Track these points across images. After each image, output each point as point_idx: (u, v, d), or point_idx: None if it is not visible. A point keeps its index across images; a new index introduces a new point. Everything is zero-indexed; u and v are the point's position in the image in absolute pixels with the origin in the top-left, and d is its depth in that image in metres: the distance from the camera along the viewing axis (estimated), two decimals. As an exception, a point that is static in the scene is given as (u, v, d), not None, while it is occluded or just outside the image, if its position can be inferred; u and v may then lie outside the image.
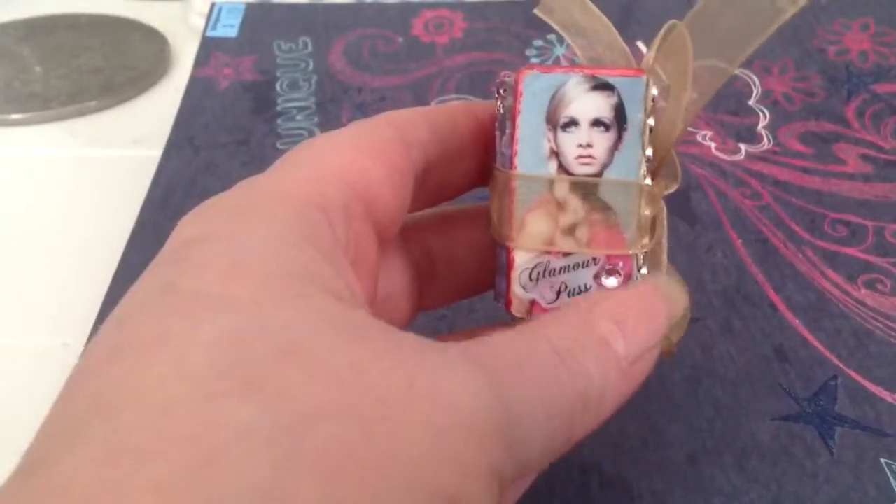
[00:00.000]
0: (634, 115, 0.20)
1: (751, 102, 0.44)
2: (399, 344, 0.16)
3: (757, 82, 0.46)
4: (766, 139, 0.42)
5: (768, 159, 0.41)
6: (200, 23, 0.53)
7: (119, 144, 0.47)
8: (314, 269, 0.17)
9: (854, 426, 0.29)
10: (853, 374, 0.30)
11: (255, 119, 0.45)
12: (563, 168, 0.21)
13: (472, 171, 0.24)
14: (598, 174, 0.20)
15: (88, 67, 0.52)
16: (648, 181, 0.20)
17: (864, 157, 0.41)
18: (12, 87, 0.51)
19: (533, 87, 0.21)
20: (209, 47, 0.50)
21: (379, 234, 0.21)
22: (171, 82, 0.52)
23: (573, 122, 0.20)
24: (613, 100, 0.20)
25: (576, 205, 0.21)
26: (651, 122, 0.20)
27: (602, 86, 0.20)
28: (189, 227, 0.18)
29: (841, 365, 0.31)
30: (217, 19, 0.52)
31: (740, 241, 0.36)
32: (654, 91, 0.20)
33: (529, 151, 0.21)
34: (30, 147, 0.47)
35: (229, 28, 0.51)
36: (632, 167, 0.20)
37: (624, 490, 0.27)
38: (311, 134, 0.43)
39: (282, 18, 0.52)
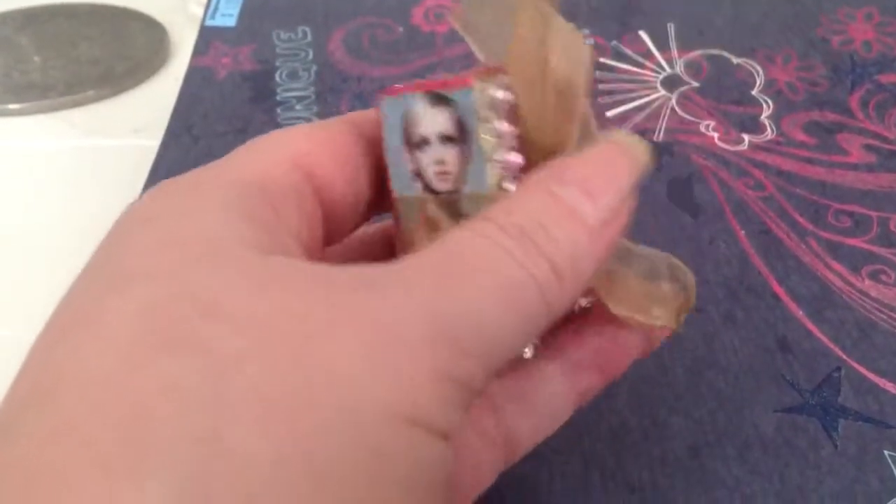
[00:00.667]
0: (472, 126, 0.19)
1: (754, 92, 0.44)
2: (325, 278, 0.16)
3: (760, 72, 0.45)
4: (769, 129, 0.42)
5: (772, 149, 0.41)
6: (199, 12, 0.52)
7: (118, 134, 0.46)
8: (242, 233, 0.17)
9: (857, 418, 0.28)
10: (857, 366, 0.30)
11: (254, 109, 0.44)
12: (427, 187, 0.20)
13: None
14: (457, 189, 0.20)
15: (87, 57, 0.52)
16: (512, 186, 0.20)
17: (868, 148, 0.40)
18: (11, 76, 0.50)
19: (389, 111, 0.20)
20: (208, 37, 0.50)
21: (333, 220, 0.21)
22: (169, 72, 0.52)
23: (425, 141, 0.20)
24: (455, 113, 0.20)
25: (446, 222, 0.20)
26: (498, 125, 0.19)
27: (440, 101, 0.20)
28: (131, 210, 0.18)
29: (844, 356, 0.30)
30: (216, 9, 0.52)
31: (743, 231, 0.36)
32: (499, 94, 0.20)
33: (398, 174, 0.21)
34: (28, 137, 0.46)
35: (228, 17, 0.51)
36: (482, 178, 0.19)
37: (625, 482, 0.27)
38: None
39: (281, 8, 0.52)
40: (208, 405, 0.13)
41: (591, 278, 0.19)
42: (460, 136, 0.19)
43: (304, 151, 0.20)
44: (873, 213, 0.37)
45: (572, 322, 0.22)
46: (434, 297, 0.16)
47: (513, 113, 0.20)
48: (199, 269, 0.16)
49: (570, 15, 0.20)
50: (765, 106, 0.43)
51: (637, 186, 0.19)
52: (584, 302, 0.22)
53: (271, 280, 0.16)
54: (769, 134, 0.41)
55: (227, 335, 0.14)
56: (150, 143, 0.43)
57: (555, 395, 0.22)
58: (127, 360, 0.14)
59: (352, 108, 0.44)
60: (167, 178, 0.42)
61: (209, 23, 0.51)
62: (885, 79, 0.44)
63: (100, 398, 0.13)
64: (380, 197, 0.22)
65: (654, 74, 0.45)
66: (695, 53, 0.47)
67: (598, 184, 0.18)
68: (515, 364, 0.22)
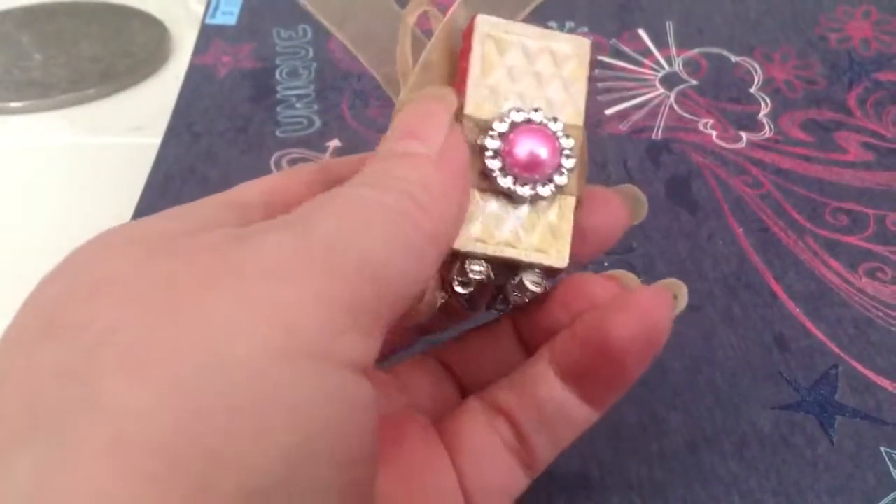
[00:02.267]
0: None
1: (752, 90, 0.44)
2: (208, 241, 0.17)
3: (758, 70, 0.45)
4: (767, 127, 0.42)
5: (770, 147, 0.41)
6: (200, 10, 0.52)
7: (118, 132, 0.46)
8: (171, 224, 0.18)
9: (854, 415, 0.28)
10: (854, 363, 0.30)
11: (255, 107, 0.44)
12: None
13: None
14: None
15: (88, 55, 0.52)
16: None
17: (866, 146, 0.41)
18: (11, 74, 0.50)
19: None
20: (209, 35, 0.50)
21: None
22: (170, 70, 0.52)
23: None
24: None
25: None
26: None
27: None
28: None
29: (841, 353, 0.31)
30: (216, 7, 0.52)
31: (741, 229, 0.36)
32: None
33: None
34: (29, 135, 0.47)
35: (229, 16, 0.51)
36: None
37: (623, 478, 0.27)
38: (310, 122, 0.43)
39: (281, 6, 0.52)
40: (86, 374, 0.14)
41: (452, 201, 0.20)
42: None
43: (271, 184, 0.22)
44: (870, 211, 0.37)
45: (566, 324, 0.22)
46: (310, 231, 0.16)
47: None
48: (101, 260, 0.17)
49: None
50: (763, 104, 0.43)
51: (453, 119, 0.21)
52: (536, 289, 0.22)
53: (163, 255, 0.16)
54: (767, 132, 0.42)
55: (107, 309, 0.15)
56: (151, 141, 0.43)
57: (565, 405, 0.22)
58: (24, 351, 0.15)
59: (352, 106, 0.44)
60: (167, 175, 0.43)
61: (210, 21, 0.51)
62: (883, 77, 0.44)
63: (2, 394, 0.15)
64: None
65: (652, 72, 0.46)
66: (693, 51, 0.47)
67: (418, 126, 0.20)
68: (523, 371, 0.22)
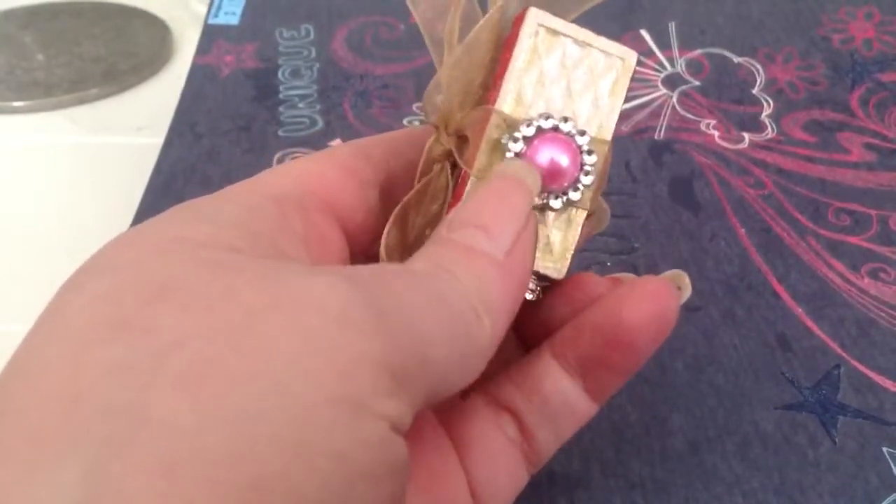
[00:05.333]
0: None
1: (755, 91, 0.44)
2: (276, 269, 0.17)
3: (761, 71, 0.45)
4: (769, 128, 0.42)
5: (772, 148, 0.41)
6: (202, 10, 0.52)
7: (121, 132, 0.47)
8: (220, 236, 0.17)
9: (856, 415, 0.28)
10: (856, 363, 0.30)
11: (257, 106, 0.44)
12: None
13: None
14: None
15: (90, 55, 0.52)
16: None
17: (869, 146, 0.40)
18: (14, 74, 0.50)
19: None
20: (211, 35, 0.50)
21: (348, 232, 0.22)
22: (173, 70, 0.52)
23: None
24: None
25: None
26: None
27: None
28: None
29: (844, 354, 0.31)
30: (219, 7, 0.52)
31: (743, 229, 0.36)
32: None
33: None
34: (31, 134, 0.47)
35: (231, 16, 0.51)
36: None
37: (626, 478, 0.27)
38: (313, 122, 0.43)
39: (284, 6, 0.52)
40: (142, 382, 0.14)
41: (510, 307, 0.19)
42: None
43: (309, 171, 0.21)
44: (873, 212, 0.37)
45: (567, 319, 0.22)
46: (377, 297, 0.16)
47: None
48: (155, 260, 0.16)
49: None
50: (765, 105, 0.43)
51: (531, 211, 0.19)
52: (529, 296, 0.22)
53: (227, 269, 0.16)
54: (769, 132, 0.42)
55: (172, 317, 0.15)
56: (154, 141, 0.43)
57: (569, 397, 0.22)
58: (75, 346, 0.15)
59: (354, 106, 0.44)
60: (170, 175, 0.43)
61: (212, 21, 0.51)
62: (886, 77, 0.44)
63: (44, 383, 0.14)
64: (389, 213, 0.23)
65: (655, 73, 0.46)
66: (696, 52, 0.47)
67: (490, 217, 0.19)
68: (526, 367, 0.22)
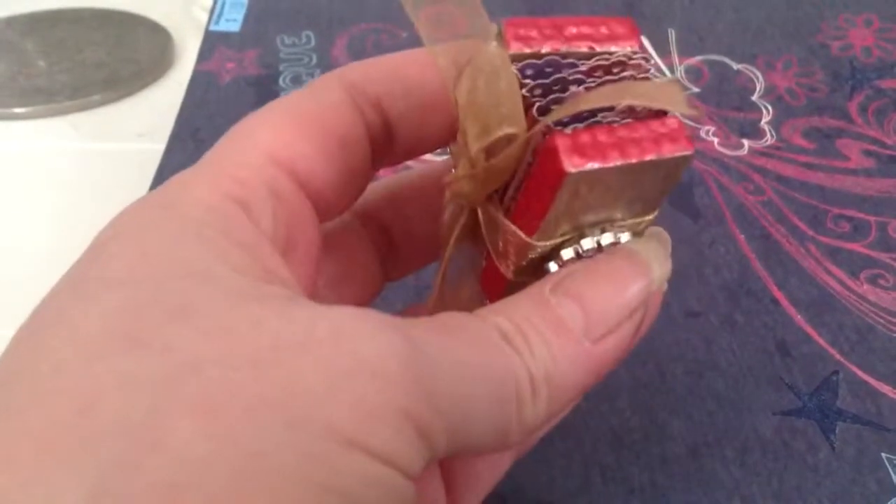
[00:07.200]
0: None
1: (754, 98, 0.44)
2: (301, 304, 0.16)
3: (760, 78, 0.46)
4: (769, 135, 0.42)
5: (771, 155, 0.41)
6: (204, 17, 0.53)
7: (122, 138, 0.47)
8: (220, 254, 0.17)
9: (855, 421, 0.29)
10: (855, 369, 0.30)
11: (259, 113, 0.45)
12: None
13: (450, 119, 0.20)
14: None
15: (92, 61, 0.52)
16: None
17: (867, 153, 0.41)
18: (16, 81, 0.51)
19: None
20: (212, 42, 0.50)
21: (321, 206, 0.20)
22: (174, 77, 0.52)
23: None
24: None
25: None
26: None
27: None
28: (108, 227, 0.18)
29: (843, 360, 0.31)
30: (220, 14, 0.52)
31: (743, 236, 0.36)
32: None
33: None
34: (33, 141, 0.47)
35: (232, 22, 0.51)
36: None
37: (625, 483, 0.27)
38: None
39: (285, 13, 0.52)
40: (157, 401, 0.13)
41: (575, 394, 0.17)
42: None
43: (282, 143, 0.19)
44: (872, 218, 0.37)
45: None
46: (424, 350, 0.15)
47: None
48: (174, 279, 0.16)
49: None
50: (765, 111, 0.43)
51: (645, 303, 0.18)
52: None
53: (246, 298, 0.16)
54: (769, 139, 0.42)
55: (193, 339, 0.14)
56: (155, 147, 0.43)
57: None
58: (87, 355, 0.14)
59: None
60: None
61: (214, 28, 0.51)
62: (885, 84, 0.45)
63: (52, 388, 0.14)
64: (388, 154, 0.21)
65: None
66: (695, 59, 0.47)
67: (594, 295, 0.17)
68: None
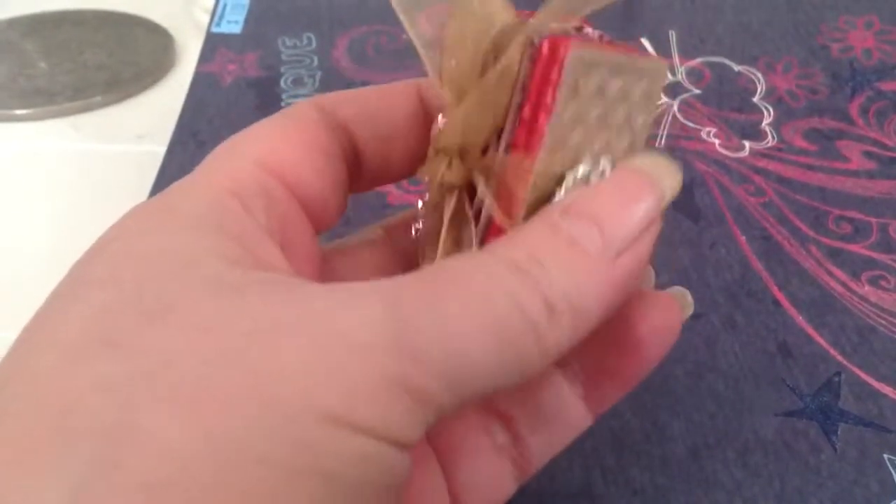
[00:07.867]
0: None
1: (755, 99, 0.44)
2: (289, 286, 0.16)
3: (761, 79, 0.46)
4: (770, 136, 0.42)
5: (772, 156, 0.41)
6: (205, 19, 0.53)
7: (123, 140, 0.47)
8: (211, 245, 0.17)
9: (857, 422, 0.29)
10: (857, 371, 0.30)
11: (259, 115, 0.44)
12: None
13: (414, 151, 0.22)
14: None
15: (93, 63, 0.52)
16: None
17: (868, 155, 0.41)
18: (17, 82, 0.51)
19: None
20: (214, 43, 0.50)
21: (312, 214, 0.20)
22: (175, 78, 0.52)
23: None
24: None
25: None
26: None
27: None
28: (108, 231, 0.18)
29: (844, 361, 0.31)
30: (222, 15, 0.52)
31: (744, 237, 0.36)
32: None
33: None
34: (34, 142, 0.47)
35: (234, 24, 0.51)
36: None
37: (626, 484, 0.27)
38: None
39: (286, 15, 0.52)
40: (134, 399, 0.14)
41: (601, 312, 0.17)
42: None
43: (269, 150, 0.20)
44: (873, 220, 0.37)
45: None
46: (405, 310, 0.15)
47: None
48: (156, 278, 0.16)
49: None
50: (765, 113, 0.43)
51: (659, 216, 0.18)
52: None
53: (229, 286, 0.16)
54: (770, 141, 0.42)
55: (168, 337, 0.15)
56: (156, 149, 0.43)
57: (566, 405, 0.22)
58: (68, 359, 0.15)
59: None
60: (173, 183, 0.43)
61: (215, 29, 0.51)
62: (885, 86, 0.45)
63: (33, 393, 0.14)
64: (357, 179, 0.22)
65: (655, 81, 0.46)
66: (696, 61, 0.47)
67: (607, 212, 0.17)
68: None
